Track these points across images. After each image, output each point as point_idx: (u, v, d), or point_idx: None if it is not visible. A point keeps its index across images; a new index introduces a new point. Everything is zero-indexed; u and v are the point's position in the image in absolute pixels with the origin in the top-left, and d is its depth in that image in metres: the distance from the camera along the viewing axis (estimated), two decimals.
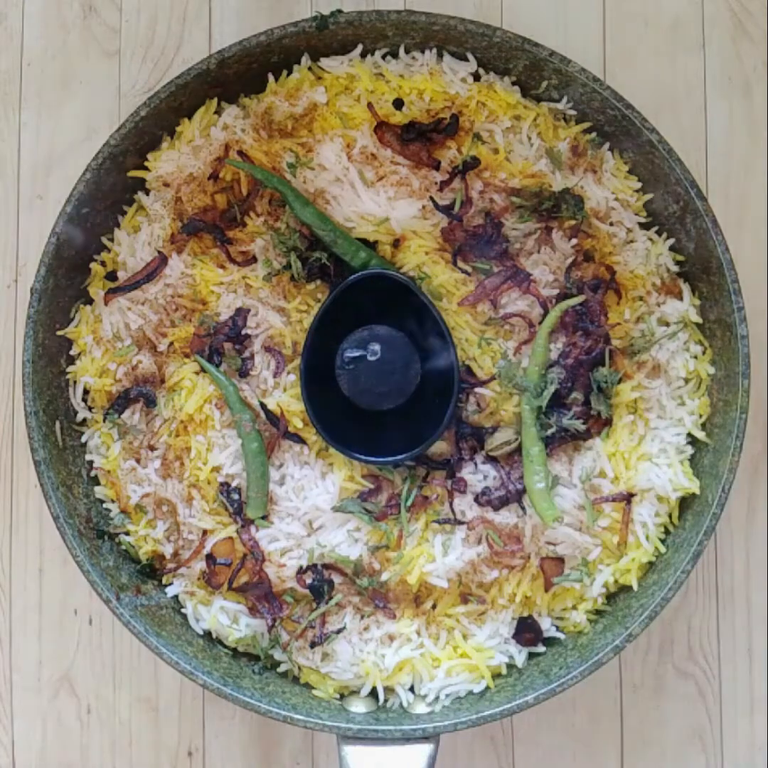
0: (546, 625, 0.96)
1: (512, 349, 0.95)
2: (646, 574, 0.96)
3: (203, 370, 0.96)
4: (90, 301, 1.00)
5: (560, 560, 0.95)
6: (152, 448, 0.97)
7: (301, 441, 0.95)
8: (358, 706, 0.95)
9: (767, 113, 1.06)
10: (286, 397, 0.95)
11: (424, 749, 0.90)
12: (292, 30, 0.93)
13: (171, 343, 0.97)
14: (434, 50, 0.97)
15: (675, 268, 0.98)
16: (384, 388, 0.93)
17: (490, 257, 0.95)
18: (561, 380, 0.94)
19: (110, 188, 0.96)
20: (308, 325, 0.94)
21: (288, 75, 0.98)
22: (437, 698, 0.95)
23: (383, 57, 0.98)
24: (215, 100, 0.98)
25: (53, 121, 1.07)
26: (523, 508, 0.94)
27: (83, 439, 1.00)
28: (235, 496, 0.95)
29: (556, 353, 0.95)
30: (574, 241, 0.95)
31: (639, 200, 0.98)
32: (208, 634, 0.98)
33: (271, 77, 0.98)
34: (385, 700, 0.96)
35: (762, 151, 1.06)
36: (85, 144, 1.06)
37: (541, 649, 0.97)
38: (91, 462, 0.99)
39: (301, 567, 0.95)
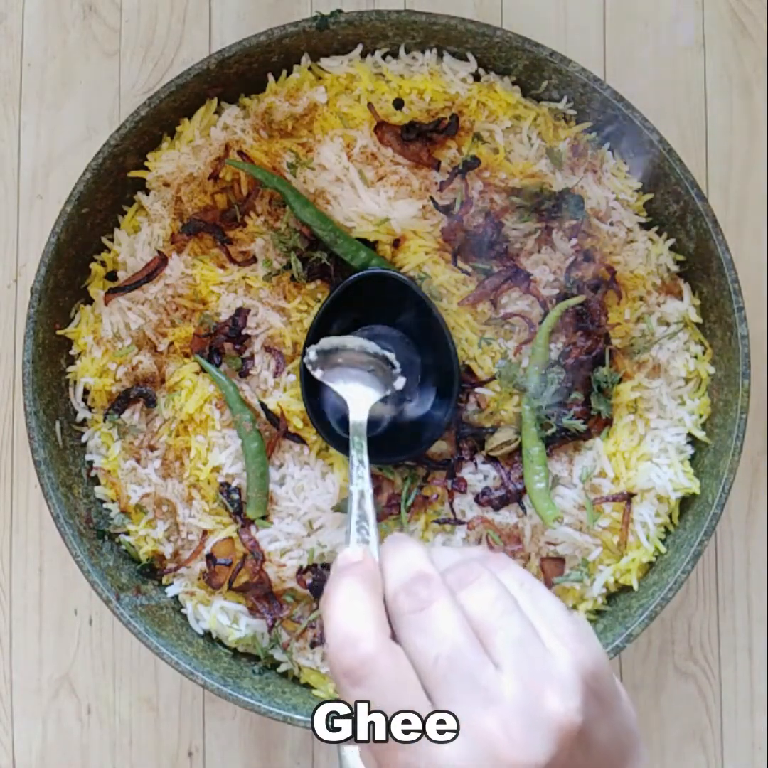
0: None
1: (512, 349, 0.95)
2: (646, 574, 0.96)
3: (203, 370, 0.96)
4: (90, 301, 1.00)
5: (560, 560, 0.95)
6: (152, 448, 0.97)
7: (301, 441, 0.95)
8: None
9: (767, 113, 1.06)
10: (286, 397, 0.95)
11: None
12: (292, 30, 0.93)
13: (171, 343, 0.97)
14: (434, 50, 0.97)
15: (675, 268, 0.98)
16: None
17: (490, 257, 0.95)
18: (561, 380, 0.94)
19: (110, 188, 0.97)
20: (308, 325, 0.94)
21: (288, 75, 0.98)
22: None
23: (383, 57, 0.98)
24: (215, 100, 0.98)
25: (53, 121, 1.07)
26: (523, 508, 0.94)
27: (83, 439, 1.00)
28: (235, 496, 0.95)
29: (556, 353, 0.95)
30: (574, 241, 0.95)
31: (639, 200, 0.98)
32: (208, 634, 0.98)
33: (271, 77, 0.98)
34: None
35: (762, 151, 1.06)
36: (85, 144, 1.06)
37: None
38: (91, 462, 1.00)
39: (301, 567, 0.95)
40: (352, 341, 0.86)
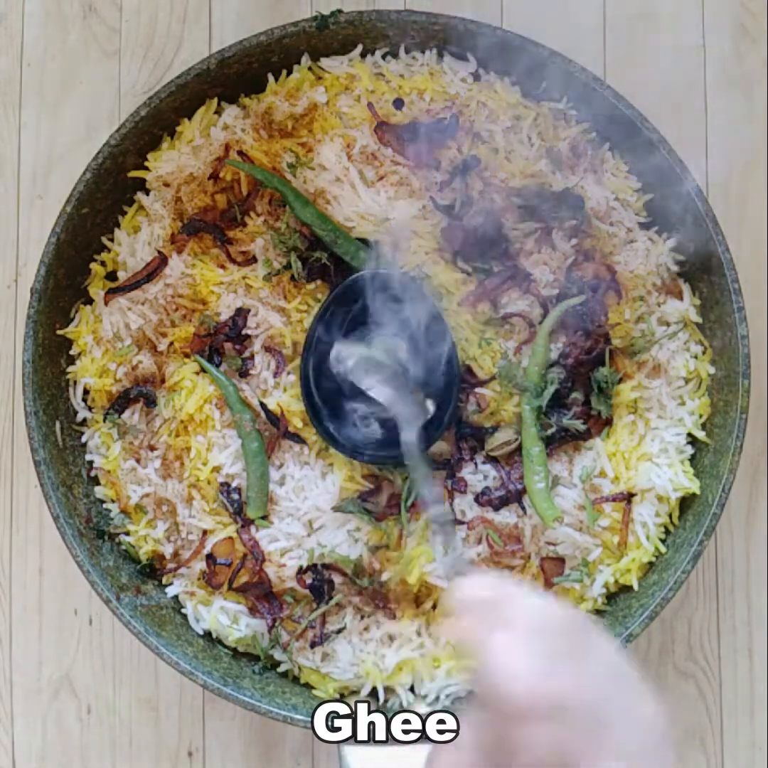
0: None
1: (512, 349, 0.95)
2: (646, 574, 0.96)
3: (203, 370, 0.96)
4: (90, 301, 1.00)
5: (560, 560, 0.95)
6: (152, 448, 0.97)
7: (301, 441, 0.95)
8: None
9: (767, 113, 1.06)
10: (286, 397, 0.95)
11: (425, 750, 0.90)
12: (292, 30, 0.93)
13: (171, 343, 0.97)
14: (434, 50, 0.97)
15: (675, 268, 0.98)
16: None
17: (490, 257, 0.95)
18: (561, 380, 0.94)
19: (110, 188, 0.97)
20: (308, 325, 0.94)
21: (288, 75, 0.98)
22: (438, 698, 0.95)
23: (383, 57, 0.98)
24: (215, 100, 0.98)
25: (53, 121, 1.07)
26: (523, 508, 0.94)
27: (83, 439, 1.00)
28: (235, 496, 0.95)
29: (556, 353, 0.95)
30: (574, 241, 0.95)
31: (639, 200, 0.98)
32: (208, 634, 0.98)
33: (271, 77, 0.98)
34: (386, 701, 0.96)
35: (762, 151, 1.06)
36: (85, 144, 1.06)
37: None
38: (91, 462, 1.00)
39: (301, 567, 0.95)
40: (385, 360, 0.86)
